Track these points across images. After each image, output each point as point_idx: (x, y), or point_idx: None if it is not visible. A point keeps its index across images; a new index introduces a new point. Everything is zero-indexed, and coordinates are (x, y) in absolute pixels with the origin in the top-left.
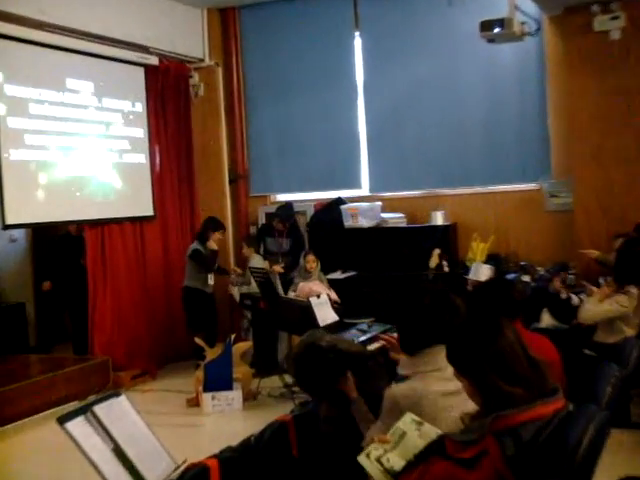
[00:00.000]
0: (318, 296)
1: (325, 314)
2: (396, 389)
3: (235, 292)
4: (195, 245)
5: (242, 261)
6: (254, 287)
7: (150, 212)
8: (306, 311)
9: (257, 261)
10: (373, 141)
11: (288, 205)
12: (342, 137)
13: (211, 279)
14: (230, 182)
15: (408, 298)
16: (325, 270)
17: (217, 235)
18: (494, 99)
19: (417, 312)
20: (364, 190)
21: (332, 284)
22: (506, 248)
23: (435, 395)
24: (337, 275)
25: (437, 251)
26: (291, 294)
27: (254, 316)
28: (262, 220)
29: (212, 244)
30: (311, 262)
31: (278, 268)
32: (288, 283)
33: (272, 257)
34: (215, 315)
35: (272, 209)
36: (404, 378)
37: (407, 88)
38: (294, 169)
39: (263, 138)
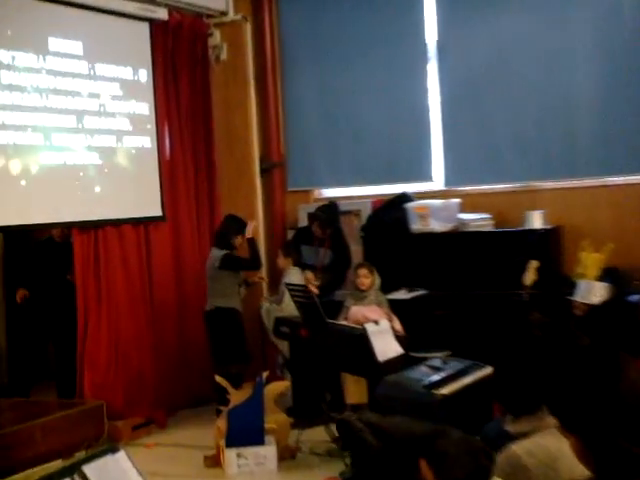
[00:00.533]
0: (376, 322)
1: (385, 345)
2: (517, 448)
3: (265, 315)
4: (219, 252)
5: (277, 275)
6: (288, 308)
7: (158, 212)
8: (360, 341)
9: (296, 276)
10: (448, 120)
11: (331, 205)
12: (408, 115)
13: (243, 289)
14: (262, 173)
15: (510, 338)
16: (385, 288)
17: (239, 239)
18: (612, 66)
19: (535, 365)
20: (437, 183)
21: (395, 306)
22: (627, 260)
23: (573, 456)
24: (401, 295)
25: (534, 263)
26: (342, 320)
27: (293, 347)
28: (304, 221)
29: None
30: (363, 277)
31: (311, 287)
32: (328, 307)
33: (309, 271)
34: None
35: (316, 208)
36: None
37: (494, 51)
38: (345, 156)
39: (305, 116)
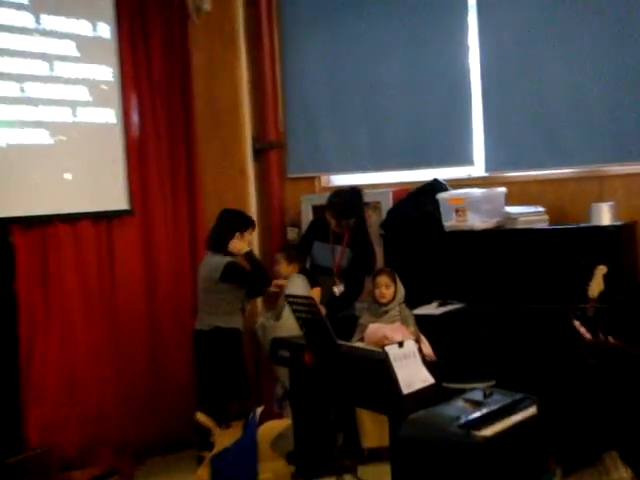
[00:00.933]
0: (400, 344)
1: (412, 374)
2: None
3: (261, 334)
4: (219, 259)
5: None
6: (288, 325)
7: (124, 205)
8: (380, 368)
9: (299, 285)
10: (491, 92)
11: (352, 190)
12: (441, 83)
13: (248, 305)
14: (255, 155)
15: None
16: (411, 301)
17: (248, 236)
18: None
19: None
20: (477, 168)
21: (424, 324)
22: None
23: None
24: (431, 309)
25: (602, 269)
26: (356, 342)
27: (294, 376)
28: (308, 217)
29: (239, 246)
30: (383, 287)
31: (321, 308)
32: (345, 324)
33: (322, 276)
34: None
35: (324, 199)
36: None
37: (547, 10)
38: (360, 134)
39: (310, 84)
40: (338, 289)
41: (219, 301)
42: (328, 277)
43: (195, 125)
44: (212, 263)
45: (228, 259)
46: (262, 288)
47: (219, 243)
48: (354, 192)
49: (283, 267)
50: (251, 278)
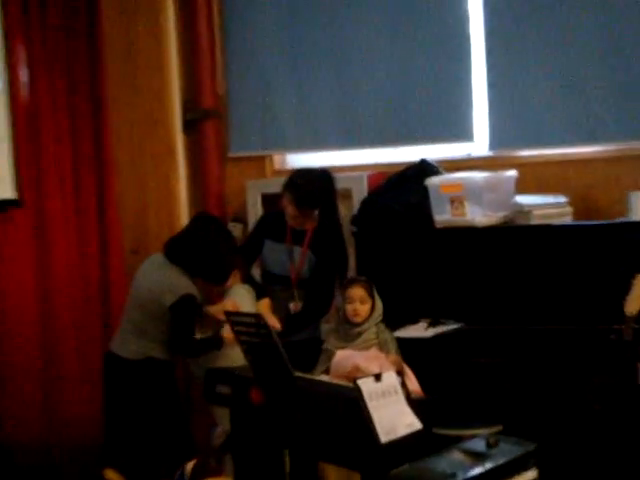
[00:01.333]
0: (377, 377)
1: (393, 417)
2: None
3: (193, 364)
4: (175, 276)
5: (210, 298)
6: (230, 354)
7: (9, 193)
8: (351, 410)
9: (244, 299)
10: (497, 47)
11: (323, 173)
12: (431, 38)
13: None
14: (186, 128)
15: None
16: (392, 320)
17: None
18: None
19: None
20: (478, 146)
21: (408, 350)
22: None
23: None
24: (419, 331)
25: None
26: (320, 374)
27: (237, 420)
28: (256, 209)
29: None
30: (357, 302)
31: (274, 321)
32: (305, 351)
33: (275, 287)
34: None
35: (277, 185)
36: None
37: None
38: (327, 101)
39: (260, 36)
40: (295, 305)
41: (160, 326)
42: (283, 288)
43: (106, 88)
44: (164, 280)
45: (187, 287)
46: (186, 351)
47: (187, 258)
48: (325, 175)
49: None
50: (188, 330)
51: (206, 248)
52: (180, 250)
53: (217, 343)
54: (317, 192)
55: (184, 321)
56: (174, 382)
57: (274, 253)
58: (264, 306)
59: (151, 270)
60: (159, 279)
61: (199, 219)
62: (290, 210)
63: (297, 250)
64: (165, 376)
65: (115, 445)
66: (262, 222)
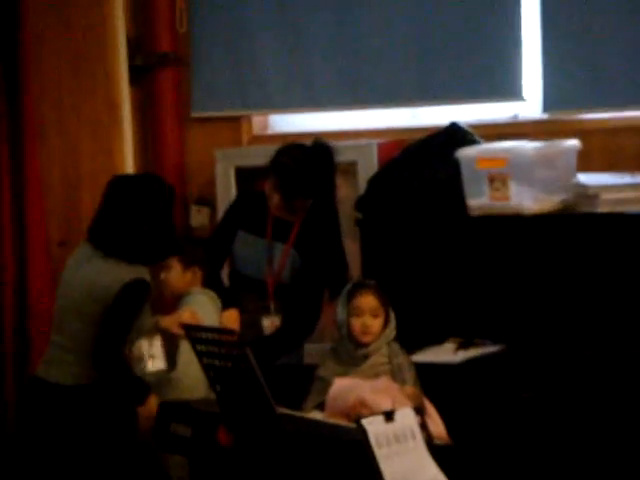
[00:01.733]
0: (388, 416)
1: (409, 469)
2: None
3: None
4: (118, 268)
5: (162, 304)
6: (187, 381)
7: None
8: (352, 459)
9: (205, 307)
10: None
11: (319, 147)
12: None
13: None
14: (135, 75)
15: None
16: (409, 340)
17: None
18: None
19: None
20: (529, 106)
21: (433, 381)
22: None
23: None
24: (444, 355)
25: None
26: (312, 410)
27: (198, 472)
28: (228, 187)
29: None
30: (367, 316)
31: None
32: (292, 379)
33: (246, 294)
34: None
35: (260, 157)
36: None
37: None
38: (324, 47)
39: None
40: (271, 322)
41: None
42: (256, 297)
43: (26, 24)
44: (100, 275)
45: (131, 272)
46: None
47: (131, 245)
48: (322, 150)
49: (175, 276)
50: (121, 332)
51: (120, 219)
52: (103, 232)
53: (139, 394)
54: (312, 179)
55: (123, 316)
56: (134, 415)
57: (247, 249)
58: (230, 320)
59: (82, 264)
60: (94, 274)
61: (109, 186)
62: (275, 198)
63: (278, 247)
64: (121, 406)
65: None
66: (235, 206)
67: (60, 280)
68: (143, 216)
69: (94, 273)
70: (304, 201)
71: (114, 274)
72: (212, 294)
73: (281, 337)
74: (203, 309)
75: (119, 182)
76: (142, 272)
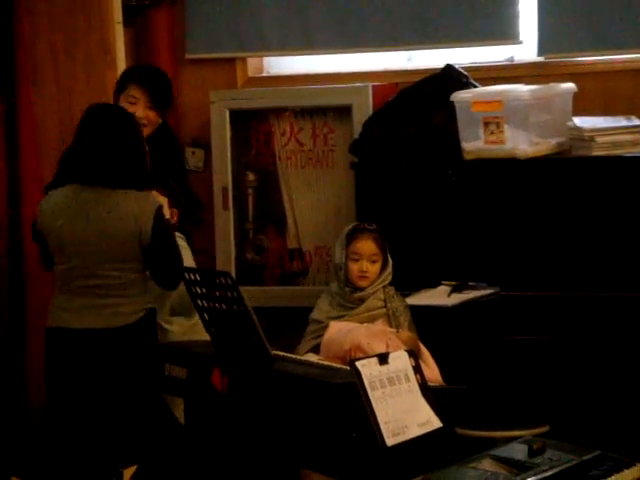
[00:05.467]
0: (382, 358)
1: (403, 412)
2: None
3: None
4: (130, 197)
5: None
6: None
7: None
8: (346, 402)
9: (184, 252)
10: None
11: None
12: None
13: None
14: (128, 15)
15: None
16: (404, 283)
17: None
18: None
19: None
20: (525, 49)
21: (427, 324)
22: None
23: None
24: (438, 298)
25: None
26: (306, 353)
27: (193, 414)
28: (224, 129)
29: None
30: (366, 260)
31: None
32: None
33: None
34: None
35: (254, 100)
36: None
37: None
38: None
39: None
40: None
41: (136, 267)
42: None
43: None
44: (126, 208)
45: (155, 202)
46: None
47: (130, 171)
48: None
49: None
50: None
51: (114, 149)
52: (100, 167)
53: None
54: (170, 88)
55: (171, 236)
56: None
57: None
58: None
59: (86, 210)
60: (115, 213)
61: (87, 121)
62: (139, 111)
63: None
64: (148, 344)
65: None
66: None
67: (61, 232)
68: (132, 141)
69: (114, 212)
70: (164, 112)
71: (135, 203)
72: (184, 239)
73: None
74: (186, 256)
75: (94, 115)
76: (155, 200)
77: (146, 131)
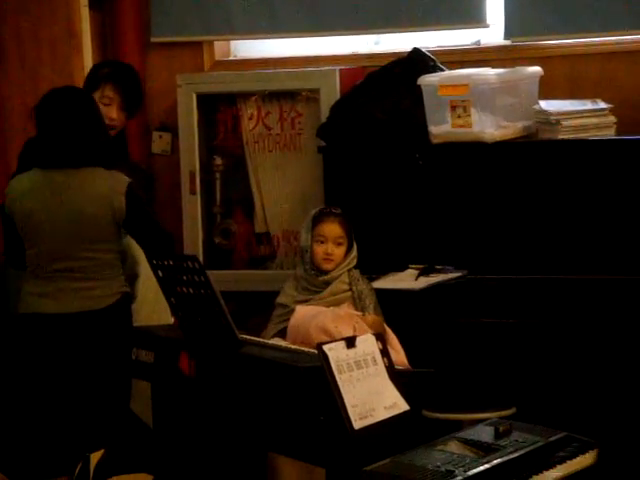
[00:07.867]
0: (349, 342)
1: (369, 395)
2: None
3: None
4: (102, 175)
5: None
6: (152, 308)
7: None
8: (312, 385)
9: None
10: None
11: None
12: None
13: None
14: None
15: None
16: (370, 266)
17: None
18: None
19: None
20: (491, 32)
21: (394, 307)
22: None
23: None
24: (405, 282)
25: None
26: (273, 337)
27: (160, 398)
28: (190, 114)
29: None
30: (331, 243)
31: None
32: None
33: None
34: None
35: (222, 83)
36: None
37: None
38: None
39: None
40: None
41: (113, 247)
42: None
43: None
44: (96, 188)
45: (126, 179)
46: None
47: (95, 148)
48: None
49: None
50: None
51: (75, 127)
52: (63, 148)
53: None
54: (142, 89)
55: (147, 208)
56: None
57: None
58: None
59: (55, 194)
60: (86, 192)
61: (45, 104)
62: (113, 112)
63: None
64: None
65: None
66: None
67: (32, 215)
68: (91, 117)
69: (86, 191)
70: (135, 113)
71: (105, 182)
72: None
73: None
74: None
75: (49, 100)
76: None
77: (113, 133)
